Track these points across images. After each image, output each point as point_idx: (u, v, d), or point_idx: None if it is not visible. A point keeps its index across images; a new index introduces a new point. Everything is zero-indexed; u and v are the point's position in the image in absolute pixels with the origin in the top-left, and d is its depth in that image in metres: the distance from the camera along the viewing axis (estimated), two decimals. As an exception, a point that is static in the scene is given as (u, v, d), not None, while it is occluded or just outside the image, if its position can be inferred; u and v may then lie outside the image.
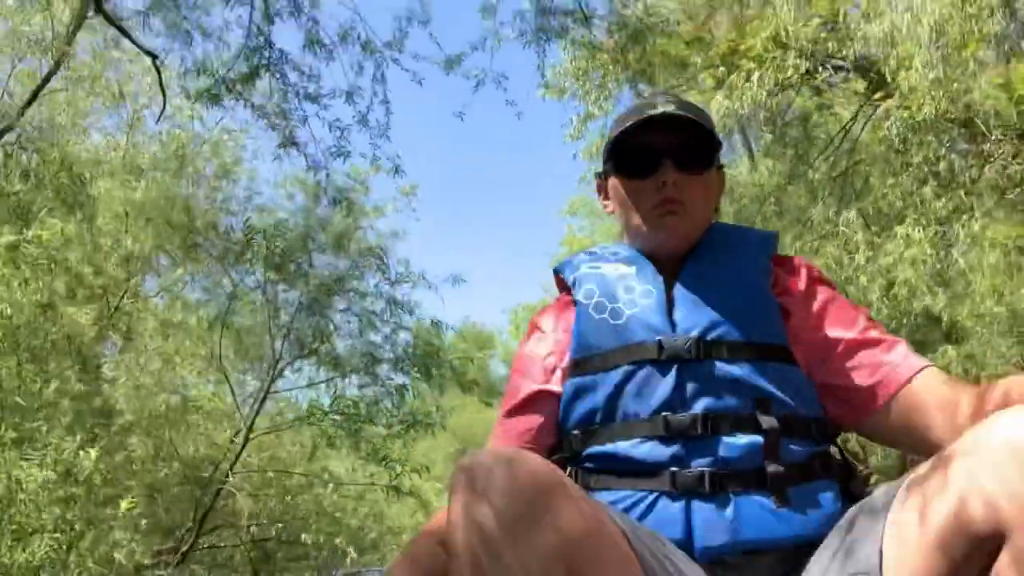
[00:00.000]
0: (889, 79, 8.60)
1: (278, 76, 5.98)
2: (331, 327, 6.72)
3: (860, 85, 9.71)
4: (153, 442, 6.22)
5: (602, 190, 1.66)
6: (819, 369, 1.41)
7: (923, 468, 1.11)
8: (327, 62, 5.88)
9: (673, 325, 1.41)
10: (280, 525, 8.31)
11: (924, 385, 1.35)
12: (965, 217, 8.30)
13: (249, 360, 7.07)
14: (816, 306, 1.46)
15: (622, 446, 1.35)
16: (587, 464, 1.40)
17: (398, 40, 5.92)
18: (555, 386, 1.49)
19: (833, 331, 1.43)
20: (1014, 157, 8.09)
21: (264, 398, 6.86)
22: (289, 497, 8.30)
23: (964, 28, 7.60)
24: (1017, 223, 8.16)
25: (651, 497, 1.29)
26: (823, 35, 9.03)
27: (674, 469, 1.30)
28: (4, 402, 4.54)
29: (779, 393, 1.34)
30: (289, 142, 5.77)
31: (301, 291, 6.49)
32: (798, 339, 1.41)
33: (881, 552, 1.09)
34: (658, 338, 1.38)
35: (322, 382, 7.11)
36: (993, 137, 8.33)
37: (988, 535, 0.96)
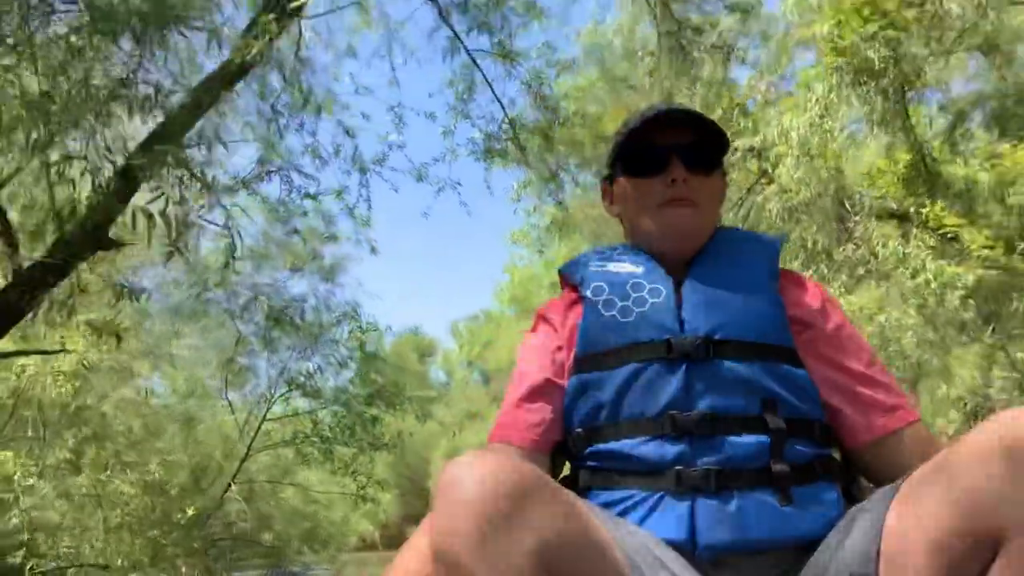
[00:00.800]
0: (770, 170, 10.64)
1: (284, 178, 7.72)
2: (315, 368, 8.43)
3: (754, 165, 11.75)
4: (174, 458, 7.92)
5: (607, 194, 1.65)
6: (823, 386, 1.40)
7: (922, 470, 1.11)
8: (322, 169, 7.64)
9: (682, 324, 1.39)
10: (244, 524, 9.93)
11: (908, 440, 1.36)
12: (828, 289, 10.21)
13: (249, 391, 8.72)
14: (830, 326, 1.44)
15: (627, 444, 1.33)
16: (591, 463, 1.38)
17: (380, 158, 7.74)
18: (564, 380, 1.46)
19: (842, 356, 1.42)
20: (870, 239, 10.07)
21: (260, 425, 8.57)
22: (272, 503, 10.03)
23: (822, 142, 9.62)
24: (863, 295, 10.14)
25: (655, 496, 1.28)
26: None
27: (679, 467, 1.28)
28: (107, 432, 6.17)
29: (785, 394, 1.34)
30: (292, 231, 7.51)
31: (293, 338, 8.16)
32: (810, 352, 1.41)
33: (879, 553, 1.09)
34: (667, 337, 1.37)
35: (307, 412, 8.80)
36: (855, 219, 10.37)
37: (985, 537, 0.96)
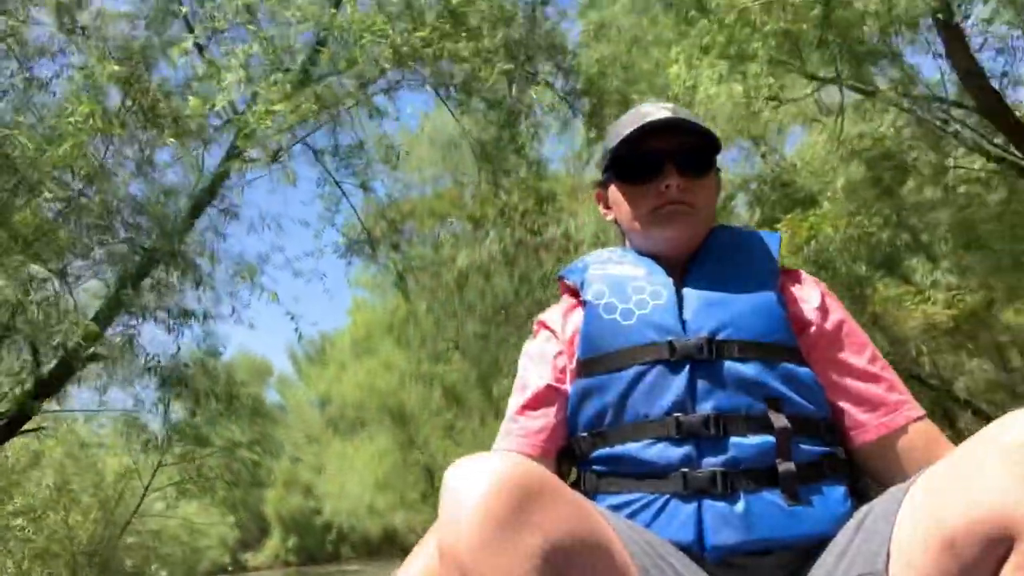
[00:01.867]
0: (572, 251, 13.30)
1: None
2: (201, 421, 10.22)
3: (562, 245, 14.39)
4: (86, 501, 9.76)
5: (602, 199, 1.64)
6: (825, 384, 1.39)
7: (933, 470, 1.10)
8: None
9: (684, 325, 1.38)
10: (132, 554, 11.67)
11: (912, 437, 1.35)
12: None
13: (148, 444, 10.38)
14: (830, 324, 1.43)
15: (632, 448, 1.33)
16: (596, 467, 1.37)
17: (265, 256, 9.81)
18: (566, 385, 1.46)
19: (844, 353, 1.41)
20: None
21: (155, 472, 10.42)
22: (157, 535, 11.88)
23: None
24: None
25: (662, 499, 1.28)
26: (532, 207, 13.63)
27: (685, 470, 1.28)
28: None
29: (790, 393, 1.33)
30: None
31: (185, 400, 9.96)
32: (812, 350, 1.40)
33: (889, 553, 1.08)
34: (669, 338, 1.36)
35: (195, 459, 10.60)
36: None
37: (998, 537, 0.95)
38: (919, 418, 1.38)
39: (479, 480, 1.03)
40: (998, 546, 0.95)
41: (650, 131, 1.47)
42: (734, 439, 1.29)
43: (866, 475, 1.39)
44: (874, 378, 1.40)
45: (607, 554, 1.12)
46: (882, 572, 1.09)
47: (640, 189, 1.51)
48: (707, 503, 1.26)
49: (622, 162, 1.54)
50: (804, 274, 1.55)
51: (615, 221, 1.62)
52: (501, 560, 0.98)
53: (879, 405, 1.38)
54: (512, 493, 1.02)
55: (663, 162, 1.48)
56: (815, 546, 1.23)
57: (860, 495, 1.34)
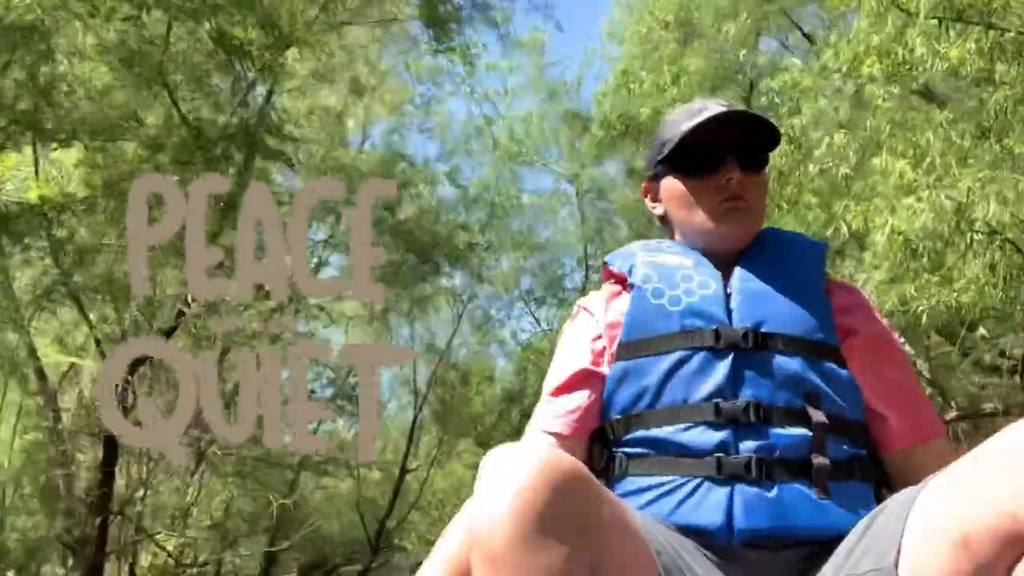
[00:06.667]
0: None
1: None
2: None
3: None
4: None
5: (649, 192, 1.64)
6: (864, 390, 1.40)
7: (949, 470, 1.09)
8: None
9: (730, 316, 1.40)
10: None
11: (933, 451, 1.38)
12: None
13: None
14: (871, 333, 1.46)
15: (668, 431, 1.34)
16: (629, 449, 1.38)
17: None
18: (603, 368, 1.46)
19: (881, 364, 1.44)
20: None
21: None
22: None
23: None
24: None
25: (694, 482, 1.28)
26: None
27: (720, 455, 1.29)
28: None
29: (829, 391, 1.35)
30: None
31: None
32: (852, 356, 1.41)
33: (899, 550, 1.08)
34: (715, 326, 1.38)
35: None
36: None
37: (1014, 536, 0.94)
38: (940, 436, 1.43)
39: (520, 471, 1.01)
40: (1013, 545, 0.95)
41: (709, 125, 1.47)
42: (772, 429, 1.31)
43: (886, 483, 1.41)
44: (906, 391, 1.45)
45: (639, 553, 1.12)
46: (892, 568, 1.08)
47: (699, 183, 1.51)
48: (739, 488, 1.26)
49: (681, 155, 1.52)
50: (848, 283, 1.60)
51: (662, 216, 1.63)
52: (536, 556, 0.97)
53: (908, 417, 1.41)
54: (553, 487, 1.00)
55: (724, 155, 1.48)
56: (835, 542, 1.23)
57: (883, 500, 1.31)
